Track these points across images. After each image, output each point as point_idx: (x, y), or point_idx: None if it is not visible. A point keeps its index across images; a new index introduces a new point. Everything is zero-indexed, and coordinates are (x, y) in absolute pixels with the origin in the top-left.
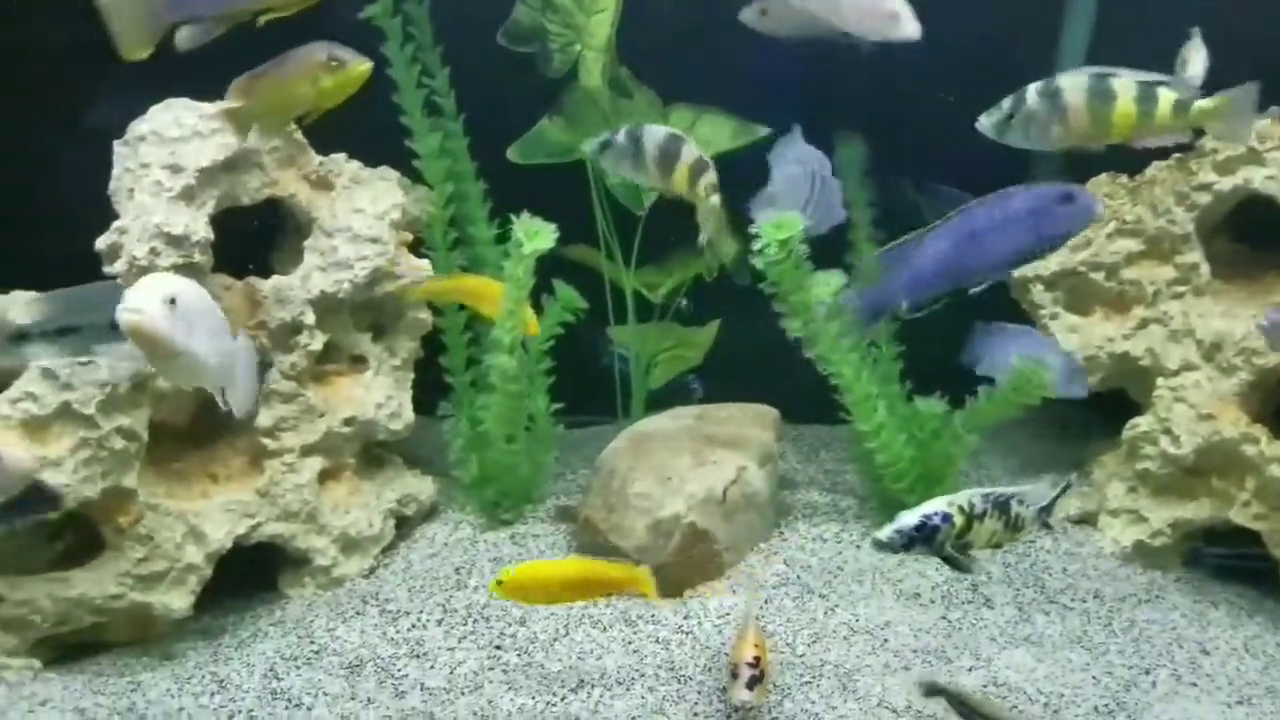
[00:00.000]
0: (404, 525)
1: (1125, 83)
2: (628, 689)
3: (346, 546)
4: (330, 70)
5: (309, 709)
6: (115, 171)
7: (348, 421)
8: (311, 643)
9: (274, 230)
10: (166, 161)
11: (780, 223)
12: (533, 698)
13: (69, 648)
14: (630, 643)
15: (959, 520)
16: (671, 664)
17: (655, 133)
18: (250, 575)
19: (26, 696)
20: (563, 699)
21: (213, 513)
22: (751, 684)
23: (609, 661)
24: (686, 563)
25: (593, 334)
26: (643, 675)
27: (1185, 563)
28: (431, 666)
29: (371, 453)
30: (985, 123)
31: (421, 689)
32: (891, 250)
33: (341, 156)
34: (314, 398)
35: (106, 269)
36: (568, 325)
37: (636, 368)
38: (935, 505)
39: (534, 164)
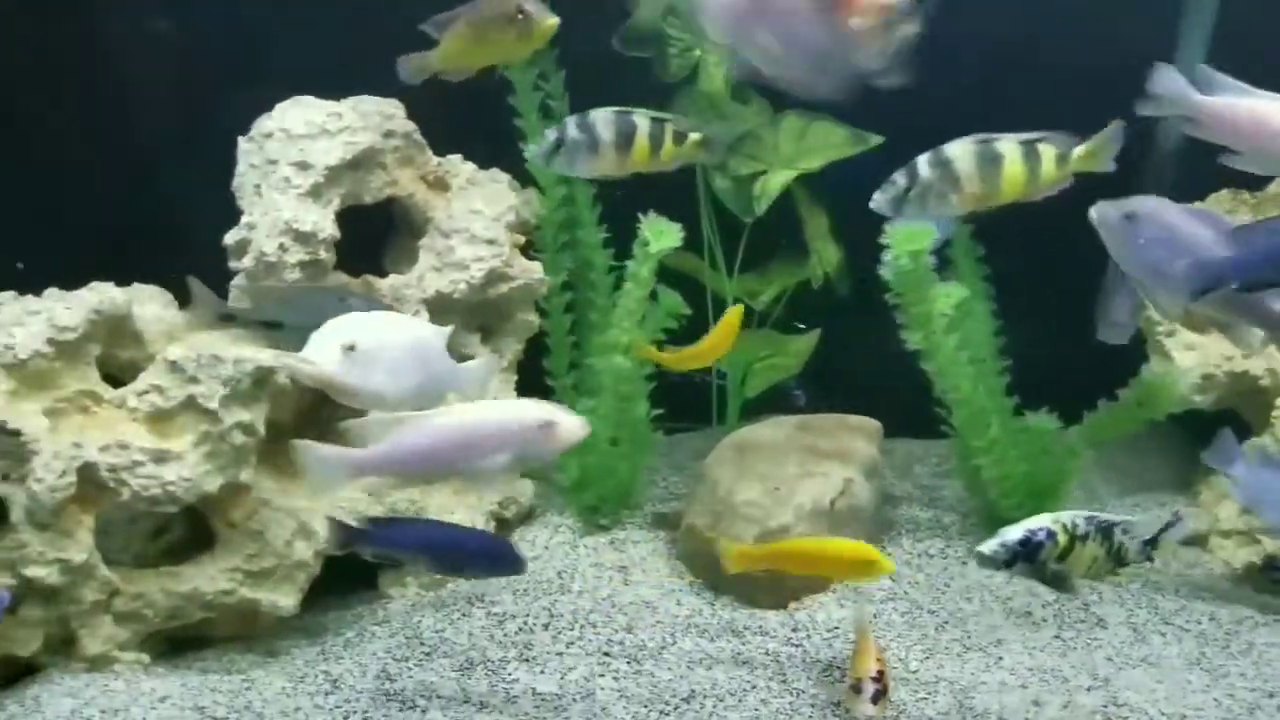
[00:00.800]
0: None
1: (1009, 145)
2: (740, 700)
3: None
4: (517, 24)
5: (423, 711)
6: (239, 168)
7: None
8: (421, 644)
9: (385, 230)
10: (295, 158)
11: (912, 233)
12: (645, 706)
13: (174, 643)
14: (739, 654)
15: (1062, 539)
16: (783, 676)
17: (603, 114)
18: (347, 573)
19: (146, 693)
20: (675, 709)
21: (322, 510)
22: (875, 698)
23: (719, 673)
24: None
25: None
26: (754, 687)
27: None
28: (542, 671)
29: None
30: (881, 200)
31: (533, 694)
32: (1249, 228)
33: (457, 157)
34: None
35: (234, 264)
36: (669, 331)
37: (732, 376)
38: (1040, 521)
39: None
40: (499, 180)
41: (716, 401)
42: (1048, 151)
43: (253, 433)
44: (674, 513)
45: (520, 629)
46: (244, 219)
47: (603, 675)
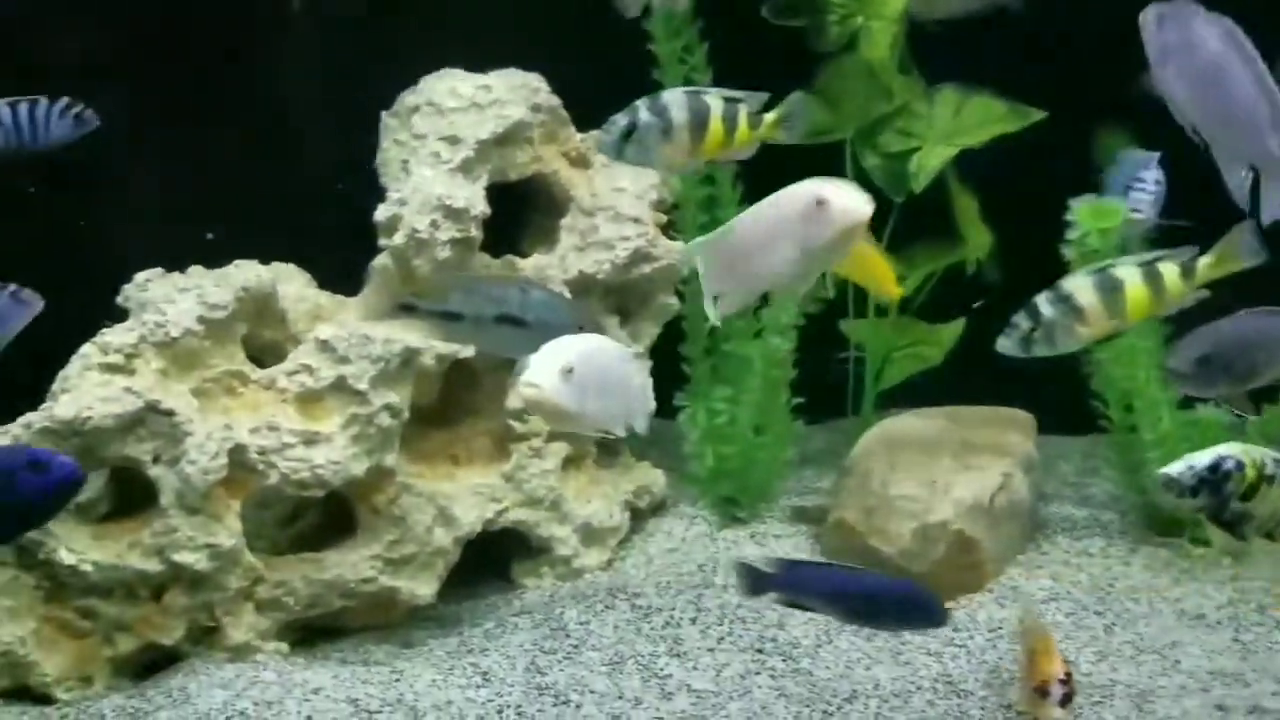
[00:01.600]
0: (636, 518)
1: (1128, 270)
2: (905, 702)
3: (587, 537)
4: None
5: (577, 706)
6: (383, 143)
7: None
8: (567, 636)
9: (515, 210)
10: (444, 133)
11: (1101, 210)
12: (806, 705)
13: (308, 632)
14: (899, 654)
15: (1250, 474)
16: (948, 677)
17: (676, 96)
18: (472, 562)
19: (298, 684)
20: (839, 709)
21: (461, 496)
22: (1064, 701)
23: (880, 673)
24: (949, 572)
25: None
26: (919, 688)
27: None
28: (694, 667)
29: (607, 442)
30: (1006, 343)
31: (689, 690)
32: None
33: (599, 133)
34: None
35: (384, 242)
36: (808, 316)
37: (870, 365)
38: (1230, 449)
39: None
40: None
41: (851, 392)
42: (1169, 270)
43: (398, 415)
44: (814, 507)
45: (667, 623)
46: (393, 195)
47: (758, 672)
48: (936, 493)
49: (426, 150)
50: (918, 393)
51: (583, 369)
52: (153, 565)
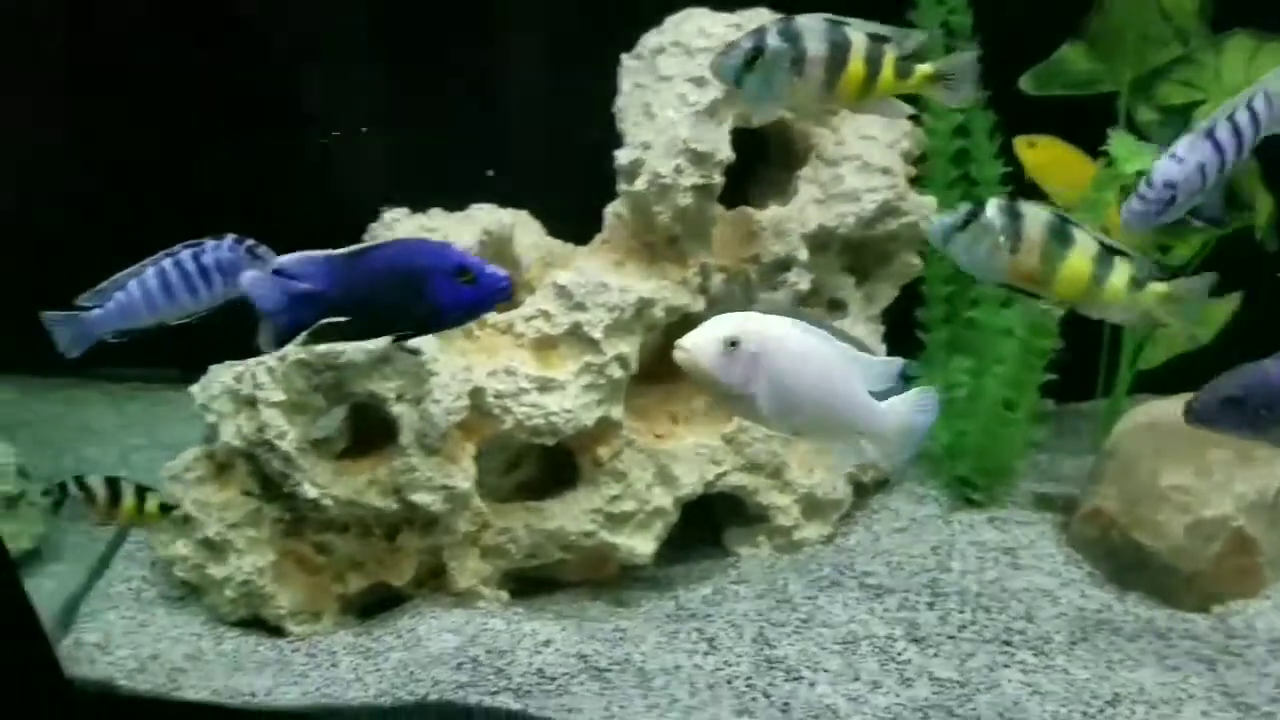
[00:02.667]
0: (859, 494)
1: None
2: (1176, 710)
3: (809, 508)
4: None
5: (811, 684)
6: (624, 87)
7: None
8: (794, 609)
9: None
10: (691, 74)
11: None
12: (1063, 705)
13: (522, 583)
14: (1165, 658)
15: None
16: (1224, 687)
17: (812, 22)
18: (679, 525)
19: (528, 634)
20: (1100, 711)
21: (681, 455)
22: None
23: (1144, 676)
24: (1221, 573)
25: None
26: (1191, 696)
27: None
28: (935, 654)
29: None
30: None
31: (930, 679)
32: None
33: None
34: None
35: (623, 188)
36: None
37: (1126, 343)
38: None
39: (1049, 96)
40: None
41: (1104, 372)
42: (1122, 270)
43: (627, 367)
44: (1057, 494)
45: (902, 605)
46: (634, 139)
47: (1007, 665)
48: (1214, 485)
49: (672, 92)
50: (1180, 376)
51: (756, 347)
52: (389, 503)
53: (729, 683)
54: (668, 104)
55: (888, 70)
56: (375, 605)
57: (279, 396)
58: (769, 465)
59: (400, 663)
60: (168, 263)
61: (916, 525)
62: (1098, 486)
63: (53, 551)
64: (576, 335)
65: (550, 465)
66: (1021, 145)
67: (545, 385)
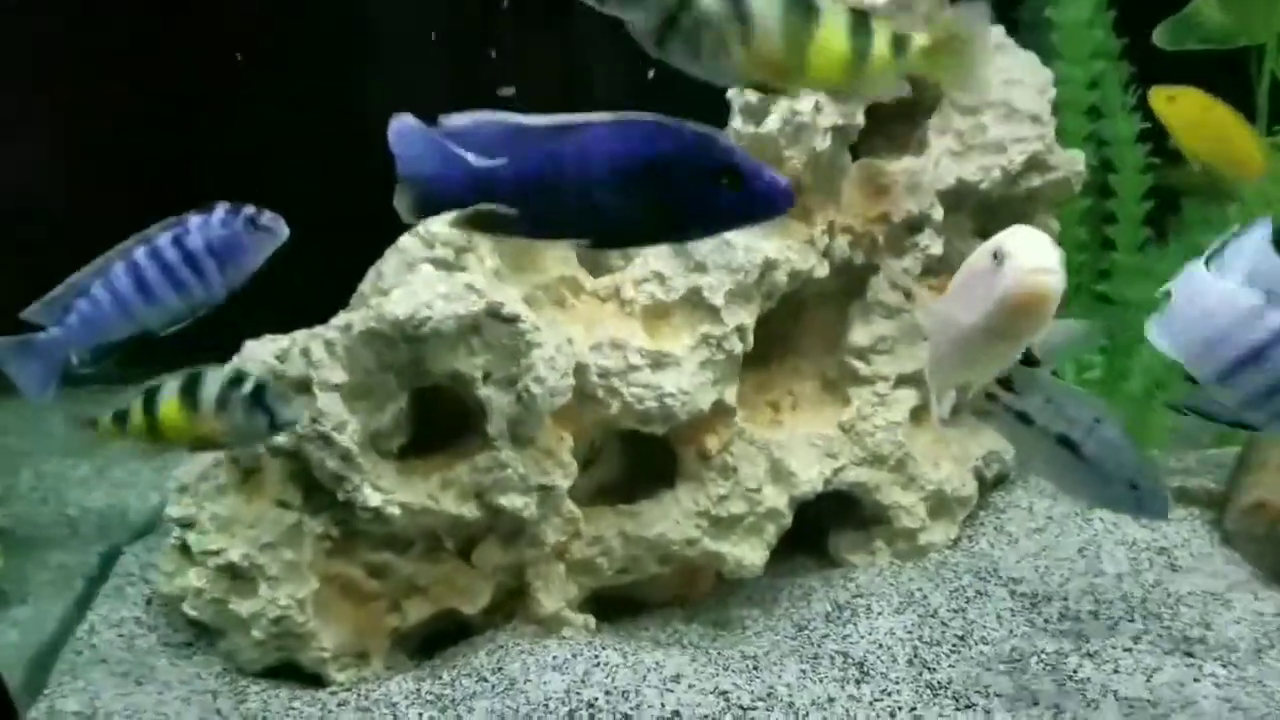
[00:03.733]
0: (982, 488)
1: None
2: None
3: (936, 507)
4: None
5: (986, 711)
6: None
7: None
8: (943, 625)
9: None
10: None
11: None
12: None
13: (601, 604)
14: None
15: None
16: None
17: None
18: None
19: (651, 668)
20: None
21: (796, 447)
22: None
23: None
24: None
25: None
26: None
27: None
28: (1115, 670)
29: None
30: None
31: (1116, 698)
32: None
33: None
34: (918, 315)
35: (745, 129)
36: None
37: None
38: None
39: (1184, 51)
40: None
41: None
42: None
43: (746, 341)
44: (1199, 487)
45: (1063, 615)
46: None
47: (1197, 679)
48: None
49: None
50: None
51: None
52: (468, 510)
53: (892, 715)
54: None
55: (881, 45)
56: (430, 640)
57: (340, 377)
58: (892, 458)
59: (493, 715)
60: (141, 253)
61: (1054, 524)
62: (1254, 477)
63: (16, 590)
64: (695, 302)
65: (633, 460)
66: (1159, 98)
67: (659, 361)
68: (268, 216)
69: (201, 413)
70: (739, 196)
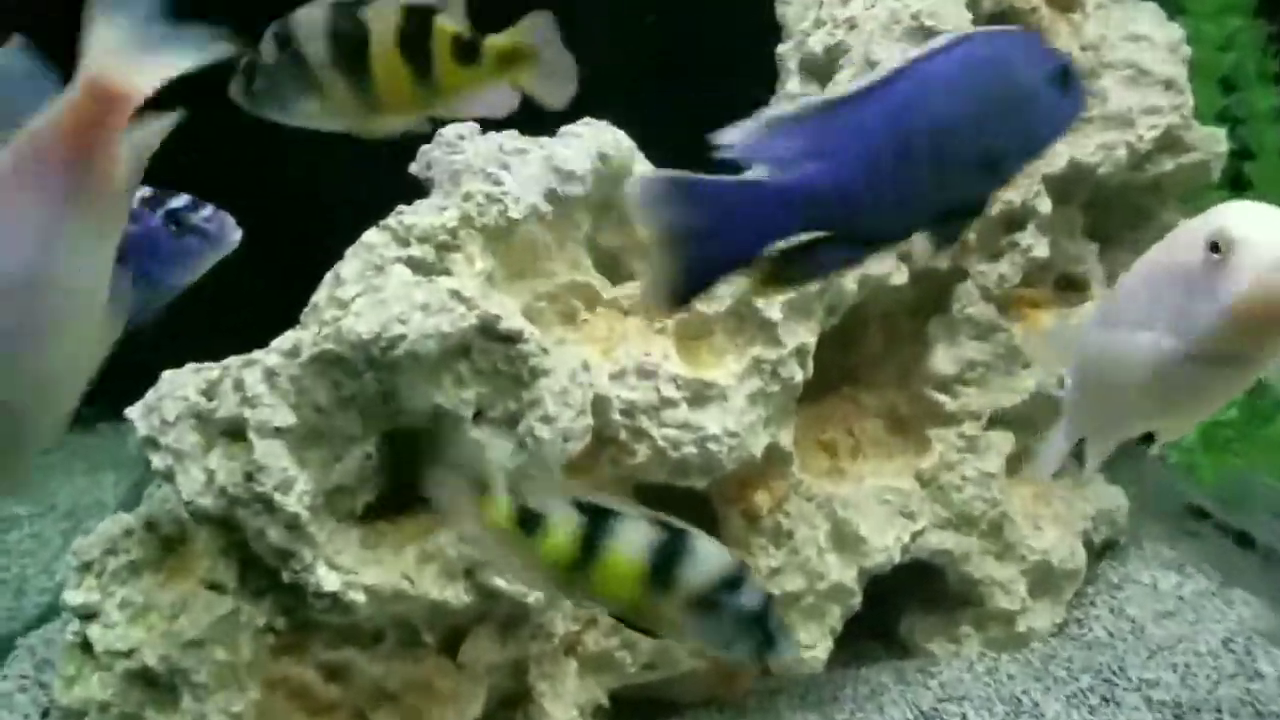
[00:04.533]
0: (1089, 555)
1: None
2: None
3: (1039, 582)
4: None
5: None
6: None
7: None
8: None
9: None
10: None
11: None
12: None
13: (620, 705)
14: None
15: None
16: None
17: (313, 14)
18: None
19: None
20: None
21: (865, 504)
22: None
23: None
24: None
25: None
26: None
27: None
28: None
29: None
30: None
31: None
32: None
33: None
34: (1017, 335)
35: (796, 90)
36: None
37: None
38: None
39: None
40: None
41: None
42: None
43: (806, 366)
44: None
45: None
46: (816, 18)
47: None
48: None
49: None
50: None
51: None
52: (455, 593)
53: None
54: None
55: (444, 57)
56: None
57: (285, 419)
58: (984, 519)
59: None
60: None
61: (1187, 607)
62: None
63: None
64: (743, 315)
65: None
66: None
67: (699, 394)
68: (206, 214)
69: (675, 600)
70: (1069, 100)
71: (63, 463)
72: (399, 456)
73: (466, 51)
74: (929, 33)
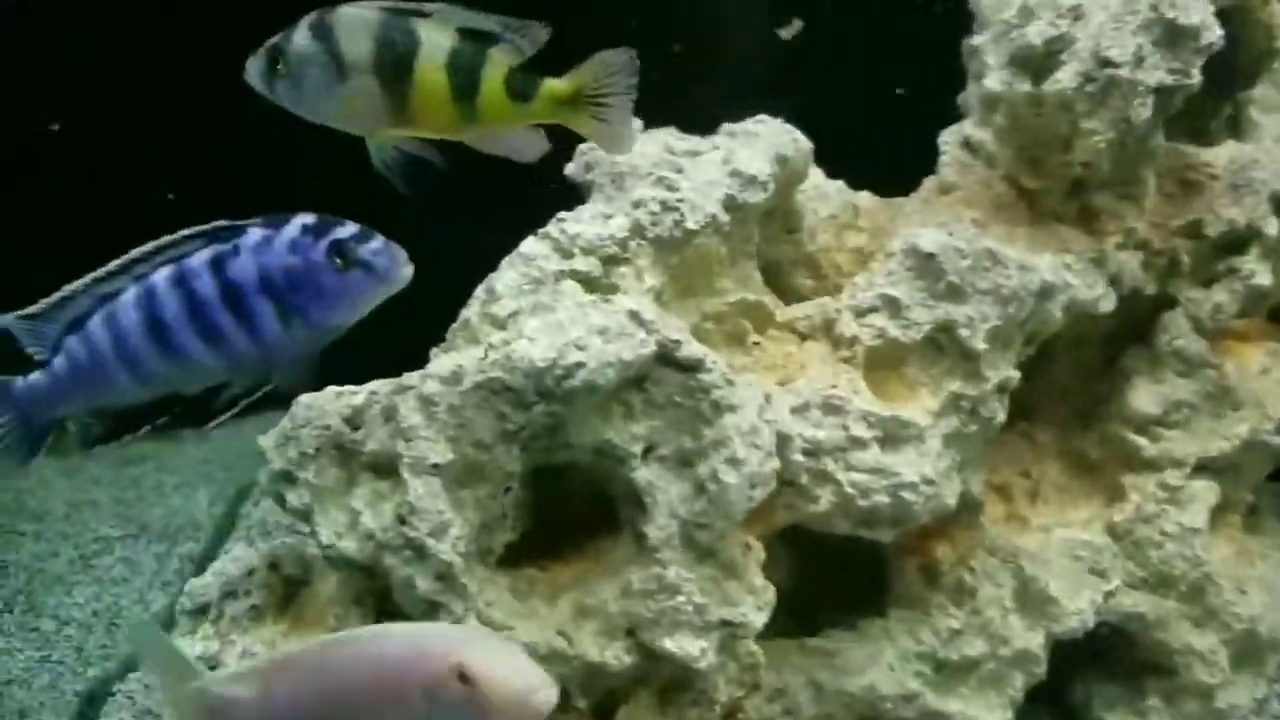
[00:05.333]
0: None
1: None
2: None
3: (1243, 653)
4: None
5: None
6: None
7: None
8: None
9: None
10: None
11: None
12: None
13: None
14: None
15: None
16: None
17: (359, 13)
18: None
19: None
20: None
21: (1053, 559)
22: None
23: None
24: None
25: None
26: None
27: None
28: None
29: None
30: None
31: None
32: None
33: None
34: (1229, 373)
35: (1016, 88)
36: None
37: None
38: None
39: None
40: None
41: None
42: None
43: (1004, 404)
44: None
45: None
46: (1035, 5)
47: None
48: None
49: None
50: None
51: None
52: (616, 655)
53: None
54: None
55: (493, 84)
56: None
57: (443, 454)
58: (1184, 580)
59: None
60: (162, 277)
61: None
62: None
63: None
64: (942, 345)
65: (808, 562)
66: None
67: (893, 434)
68: (375, 246)
69: None
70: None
71: (151, 476)
72: (542, 490)
73: (520, 89)
74: (1169, 25)
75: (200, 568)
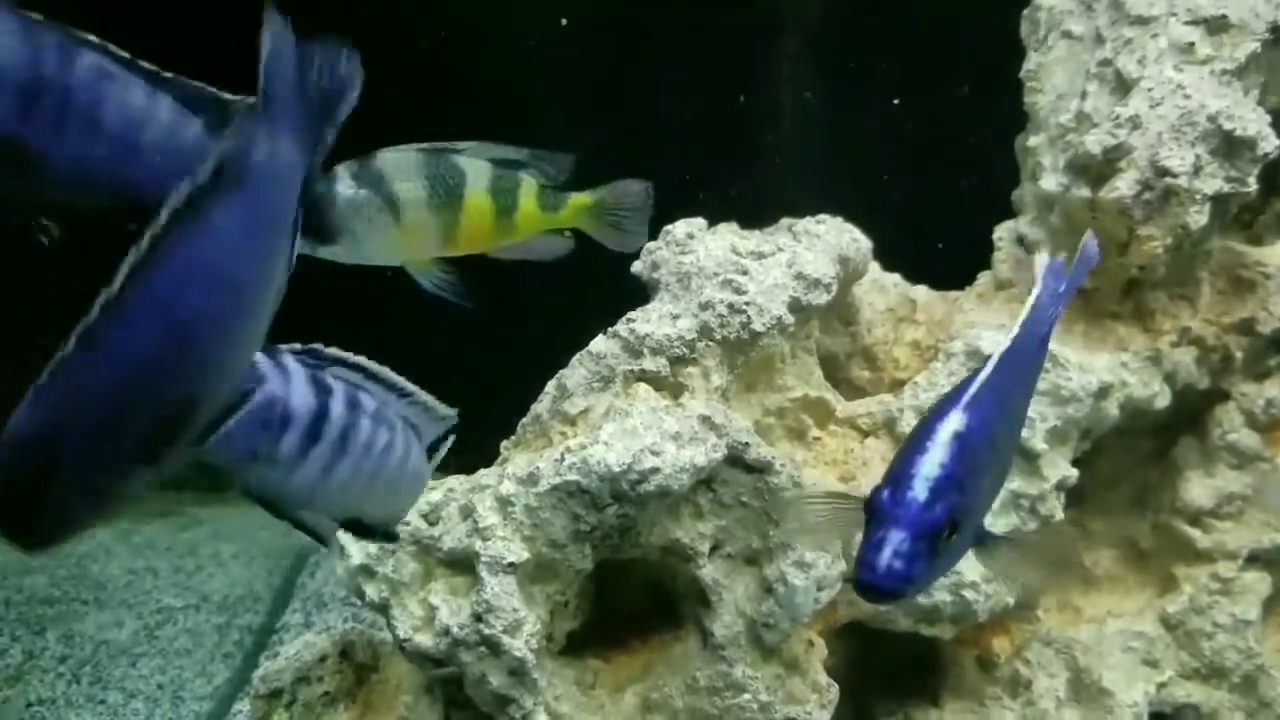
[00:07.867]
0: None
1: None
2: None
3: None
4: None
5: None
6: (1039, 39)
7: None
8: None
9: None
10: (1198, 9)
11: None
12: None
13: None
14: None
15: None
16: None
17: (400, 158)
18: None
19: None
20: None
21: (1107, 650)
22: None
23: None
24: None
25: None
26: None
27: None
28: None
29: None
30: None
31: None
32: None
33: None
34: None
35: (1081, 193)
36: None
37: None
38: None
39: None
40: None
41: None
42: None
43: (1061, 500)
44: None
45: None
46: (1117, 110)
47: None
48: None
49: (1163, 40)
50: None
51: None
52: None
53: None
54: (1158, 58)
55: (528, 201)
56: None
57: (519, 553)
58: (1237, 671)
59: None
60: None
61: None
62: None
63: None
64: None
65: (859, 649)
66: None
67: None
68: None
69: None
70: None
71: (208, 544)
72: (604, 582)
73: (551, 202)
74: (1227, 136)
75: (259, 641)
